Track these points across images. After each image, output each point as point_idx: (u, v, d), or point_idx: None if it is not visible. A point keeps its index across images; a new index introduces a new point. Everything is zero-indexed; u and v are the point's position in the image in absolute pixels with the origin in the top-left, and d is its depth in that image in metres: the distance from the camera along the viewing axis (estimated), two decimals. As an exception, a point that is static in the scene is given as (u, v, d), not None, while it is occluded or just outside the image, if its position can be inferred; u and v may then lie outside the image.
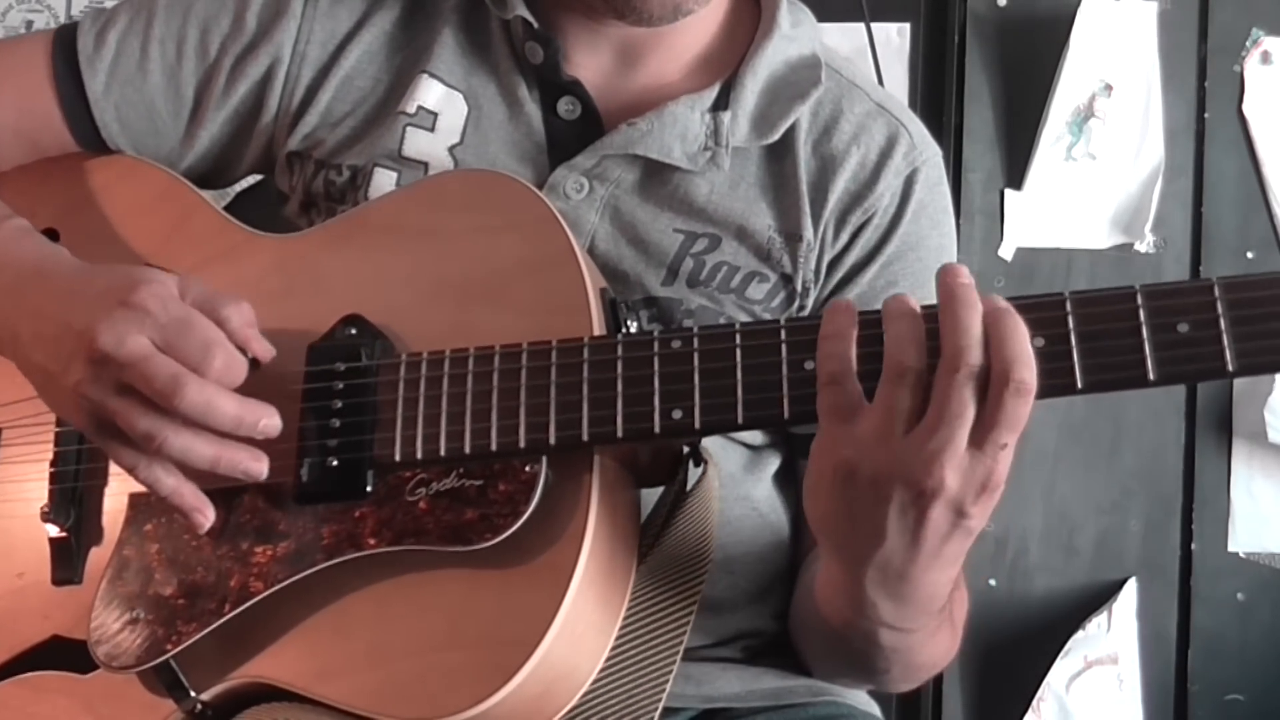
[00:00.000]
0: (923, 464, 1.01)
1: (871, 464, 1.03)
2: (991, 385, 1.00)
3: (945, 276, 1.03)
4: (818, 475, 1.08)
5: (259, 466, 1.16)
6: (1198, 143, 2.50)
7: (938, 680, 2.40)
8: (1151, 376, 1.02)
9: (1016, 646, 2.41)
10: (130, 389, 1.13)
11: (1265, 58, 2.49)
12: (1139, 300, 1.02)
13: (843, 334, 1.05)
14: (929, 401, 1.01)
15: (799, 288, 1.36)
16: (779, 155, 1.37)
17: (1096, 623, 2.46)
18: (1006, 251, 2.49)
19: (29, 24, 2.62)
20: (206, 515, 1.18)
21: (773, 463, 1.41)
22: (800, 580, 1.39)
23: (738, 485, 1.37)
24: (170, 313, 1.15)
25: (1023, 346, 1.00)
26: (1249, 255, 2.49)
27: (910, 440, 1.01)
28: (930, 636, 1.19)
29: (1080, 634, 2.46)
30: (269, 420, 1.16)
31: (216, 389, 1.13)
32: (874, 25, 2.46)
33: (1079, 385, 1.03)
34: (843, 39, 2.42)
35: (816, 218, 1.36)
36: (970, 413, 1.00)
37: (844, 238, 1.37)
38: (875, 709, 1.47)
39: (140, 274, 1.19)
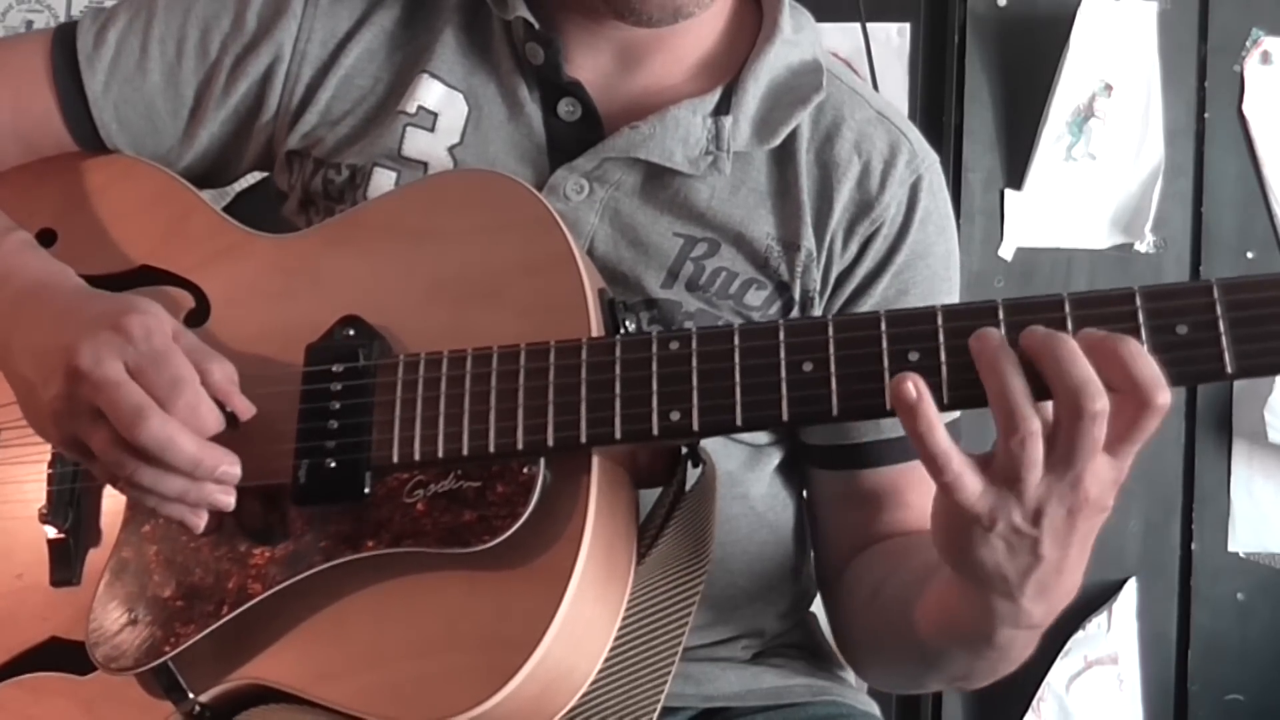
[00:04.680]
0: (1069, 489, 1.02)
1: (1020, 508, 1.03)
2: (1126, 406, 0.99)
3: (1031, 339, 1.01)
4: (957, 531, 1.06)
5: (226, 500, 1.16)
6: (1198, 143, 2.50)
7: (937, 680, 2.40)
8: (1150, 379, 1.01)
9: (1016, 646, 2.40)
10: (103, 415, 1.13)
11: (1265, 58, 2.49)
12: (1138, 302, 1.02)
13: (935, 423, 1.02)
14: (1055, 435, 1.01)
15: (796, 297, 1.35)
16: (781, 161, 1.37)
17: (1096, 623, 2.46)
18: (1006, 251, 2.49)
19: (29, 24, 2.62)
20: (200, 516, 1.18)
21: (773, 460, 1.41)
22: (874, 591, 1.35)
23: (736, 484, 1.37)
24: (151, 344, 1.15)
25: (1152, 369, 0.99)
26: (1249, 255, 2.49)
27: (1050, 475, 1.02)
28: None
29: (1080, 634, 2.46)
30: (228, 467, 1.15)
31: (178, 427, 1.12)
32: (874, 25, 2.47)
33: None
34: (841, 39, 2.42)
35: (820, 228, 1.36)
36: (1104, 439, 1.00)
37: (853, 249, 1.37)
38: (875, 709, 1.47)
39: (136, 303, 1.19)
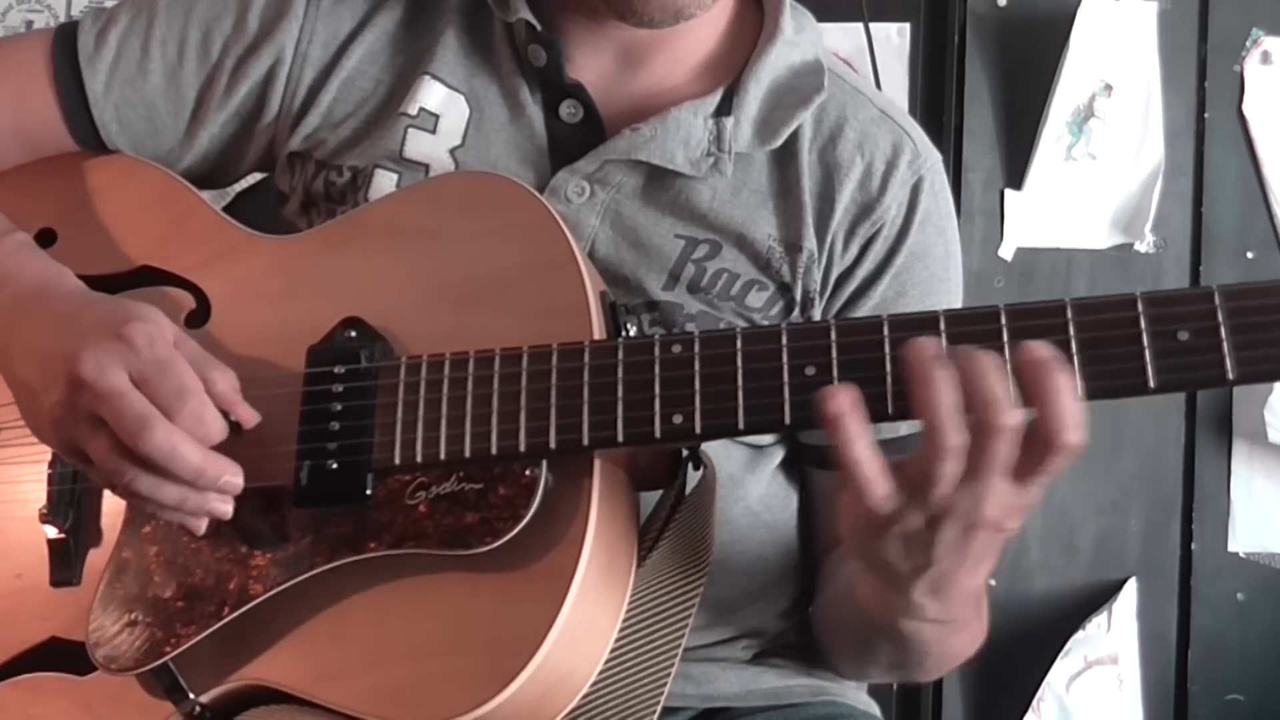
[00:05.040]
0: (971, 505, 1.02)
1: (920, 513, 1.03)
2: (1039, 442, 0.99)
3: (963, 358, 1.01)
4: (861, 524, 1.08)
5: (224, 509, 1.16)
6: (1198, 143, 2.50)
7: (938, 680, 2.40)
8: (1152, 385, 1.01)
9: (1016, 646, 2.40)
10: (103, 423, 1.13)
11: (1265, 58, 2.49)
12: (1139, 307, 1.02)
13: (855, 437, 1.02)
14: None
15: (797, 298, 1.35)
16: (783, 162, 1.37)
17: (1096, 623, 2.46)
18: (1006, 251, 2.49)
19: (29, 24, 2.62)
20: (199, 520, 1.18)
21: (772, 460, 1.41)
22: (829, 583, 1.39)
23: (736, 485, 1.37)
24: (154, 352, 1.15)
25: (1070, 408, 0.98)
26: (1249, 255, 2.49)
27: (956, 490, 1.02)
28: (965, 625, 1.20)
29: (1080, 634, 2.46)
30: (231, 478, 1.15)
31: (183, 437, 1.12)
32: (874, 25, 2.47)
33: (1080, 394, 1.02)
34: (843, 39, 2.42)
35: (822, 228, 1.36)
36: (1012, 461, 1.00)
37: (853, 250, 1.37)
38: (875, 709, 1.48)
39: (137, 310, 1.19)
